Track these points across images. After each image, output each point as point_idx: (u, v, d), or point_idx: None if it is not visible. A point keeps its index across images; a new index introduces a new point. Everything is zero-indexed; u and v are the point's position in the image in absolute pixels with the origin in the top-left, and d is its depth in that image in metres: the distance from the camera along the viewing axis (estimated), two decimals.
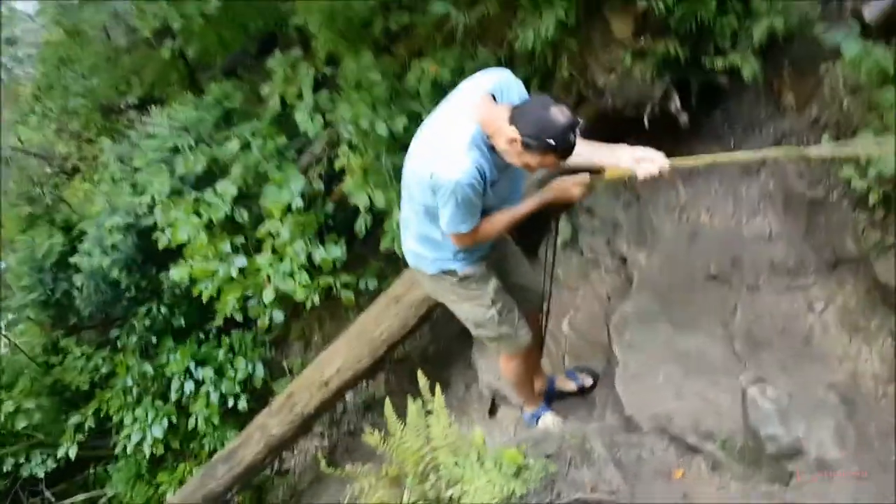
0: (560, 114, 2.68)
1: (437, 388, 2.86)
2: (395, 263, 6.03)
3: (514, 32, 4.42)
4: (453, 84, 5.01)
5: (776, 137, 4.04)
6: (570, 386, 4.29)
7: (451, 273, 3.34)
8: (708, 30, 3.90)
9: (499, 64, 5.05)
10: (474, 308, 3.45)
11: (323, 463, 3.41)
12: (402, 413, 5.92)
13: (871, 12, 3.43)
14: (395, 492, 2.91)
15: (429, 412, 2.88)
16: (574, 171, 3.09)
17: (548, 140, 2.66)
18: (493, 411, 5.28)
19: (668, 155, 4.33)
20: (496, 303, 3.42)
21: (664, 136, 4.23)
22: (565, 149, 2.72)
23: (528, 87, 4.85)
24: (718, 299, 3.76)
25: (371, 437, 3.14)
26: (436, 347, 6.03)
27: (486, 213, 3.04)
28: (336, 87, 5.49)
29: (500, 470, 2.64)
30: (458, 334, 5.93)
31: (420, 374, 3.07)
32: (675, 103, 3.97)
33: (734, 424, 3.17)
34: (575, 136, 2.70)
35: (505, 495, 2.54)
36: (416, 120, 5.13)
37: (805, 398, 2.72)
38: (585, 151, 3.03)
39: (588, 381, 4.23)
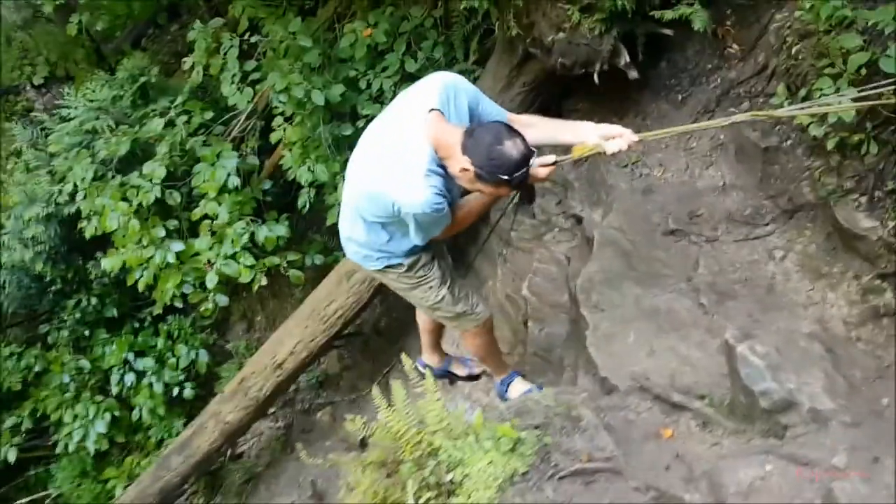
0: (514, 147, 2.65)
1: (428, 372, 2.78)
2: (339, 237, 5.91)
3: None
4: (389, 48, 4.94)
5: (724, 87, 4.07)
6: (463, 371, 4.32)
7: (397, 266, 3.29)
8: None
9: (435, 24, 4.93)
10: (426, 292, 3.40)
11: (304, 454, 3.31)
12: (358, 389, 5.91)
13: None
14: (380, 475, 2.84)
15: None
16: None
17: (501, 175, 2.66)
18: (452, 380, 5.26)
19: (618, 111, 4.38)
20: (445, 282, 3.39)
21: (612, 90, 4.23)
22: (519, 182, 2.71)
23: (468, 48, 4.86)
24: (680, 254, 3.78)
25: (352, 424, 3.04)
26: (388, 319, 5.96)
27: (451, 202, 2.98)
28: (263, 56, 5.25)
29: (497, 449, 2.60)
30: (410, 305, 5.88)
31: (404, 357, 2.99)
32: (625, 58, 3.94)
33: (710, 378, 3.21)
34: (528, 167, 2.69)
35: (508, 474, 2.51)
36: (353, 86, 4.97)
37: (790, 350, 2.76)
38: (548, 130, 3.06)
39: (477, 370, 4.27)
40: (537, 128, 3.04)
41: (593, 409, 3.01)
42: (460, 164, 2.71)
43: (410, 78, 4.88)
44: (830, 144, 3.24)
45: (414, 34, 4.92)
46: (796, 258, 3.53)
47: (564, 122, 3.12)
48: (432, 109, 2.78)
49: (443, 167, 2.80)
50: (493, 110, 3.04)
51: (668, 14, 3.80)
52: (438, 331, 4.06)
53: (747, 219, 3.76)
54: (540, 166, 2.90)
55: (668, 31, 3.99)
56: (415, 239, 3.03)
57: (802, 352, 2.79)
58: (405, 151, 2.79)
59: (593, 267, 3.85)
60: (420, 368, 4.16)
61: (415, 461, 2.63)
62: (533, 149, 2.73)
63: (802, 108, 2.95)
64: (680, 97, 4.22)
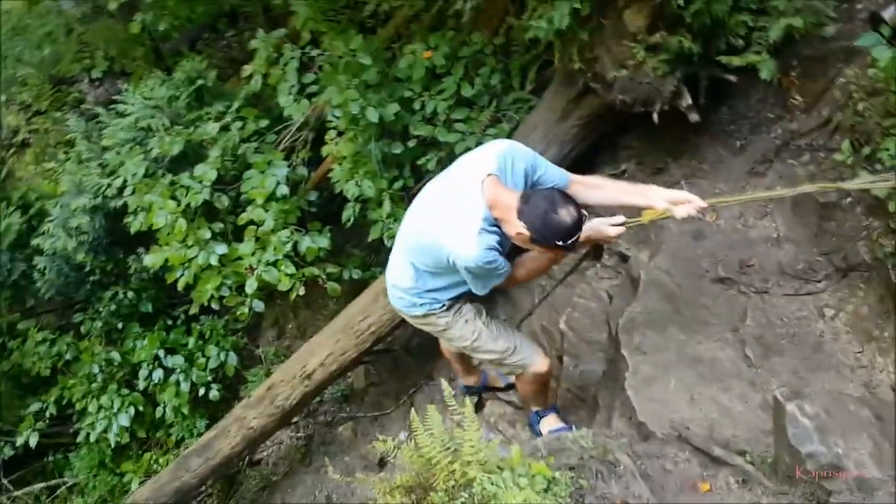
0: (567, 215, 2.81)
1: (468, 401, 2.74)
2: (379, 254, 5.91)
3: (518, 20, 4.30)
4: (446, 71, 4.95)
5: (784, 138, 4.02)
6: (500, 383, 4.56)
7: (438, 309, 3.47)
8: (721, 25, 3.84)
9: (494, 51, 4.94)
10: (462, 329, 3.54)
11: (331, 469, 3.28)
12: (382, 406, 5.87)
13: (891, 14, 3.41)
14: (408, 500, 2.80)
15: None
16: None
17: (556, 242, 2.84)
18: (479, 407, 5.21)
19: (673, 152, 4.34)
20: (480, 315, 3.54)
21: (669, 131, 4.19)
22: (572, 246, 2.90)
23: (525, 77, 4.86)
24: (728, 302, 3.72)
25: (381, 445, 3.01)
26: (419, 340, 5.92)
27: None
28: (321, 70, 5.29)
29: (532, 487, 2.55)
30: None
31: (444, 383, 2.95)
32: (687, 100, 3.91)
33: (750, 433, 3.17)
34: (580, 231, 2.86)
35: None
36: (407, 106, 4.99)
37: (839, 413, 2.69)
38: (615, 193, 3.23)
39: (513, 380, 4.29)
40: (604, 189, 3.22)
41: (630, 455, 2.96)
42: (516, 228, 2.89)
43: (465, 103, 4.90)
44: (892, 206, 3.18)
45: (472, 59, 4.93)
46: (847, 318, 3.46)
47: (632, 184, 3.26)
48: (490, 174, 2.97)
49: (497, 227, 2.98)
50: (554, 174, 3.18)
51: (736, 60, 3.78)
52: (466, 356, 4.23)
53: (799, 273, 3.69)
54: (611, 226, 3.11)
55: (732, 78, 3.96)
56: (475, 289, 3.21)
57: (851, 416, 2.72)
58: (462, 209, 2.98)
59: (637, 307, 3.81)
60: (462, 391, 4.51)
61: (447, 491, 2.59)
62: (585, 213, 2.89)
63: (874, 182, 2.89)
64: (738, 144, 4.18)
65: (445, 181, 3.21)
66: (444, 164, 5.05)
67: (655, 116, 3.97)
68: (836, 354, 3.37)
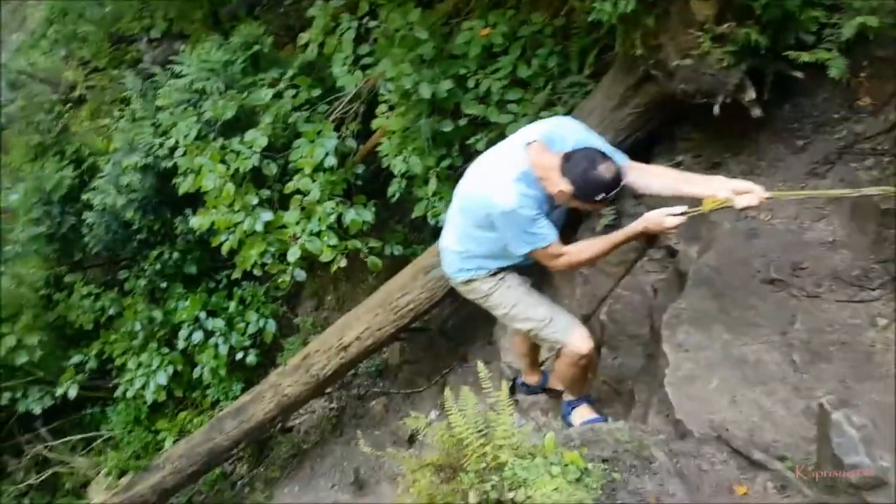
0: (607, 171, 2.95)
1: (504, 384, 2.71)
2: (422, 232, 5.89)
3: (581, 1, 4.22)
4: (503, 50, 4.88)
5: (848, 140, 3.87)
6: (559, 386, 4.40)
7: (483, 275, 3.62)
8: (792, 19, 3.70)
9: (553, 32, 4.85)
10: (503, 295, 3.64)
11: (362, 441, 3.26)
12: (415, 384, 5.87)
13: None
14: (437, 479, 2.78)
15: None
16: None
17: (596, 197, 2.98)
18: (512, 391, 5.18)
19: (732, 147, 4.22)
20: (523, 286, 3.65)
21: (729, 124, 4.07)
22: (612, 200, 3.06)
23: (583, 61, 4.76)
24: (777, 305, 3.61)
25: (414, 422, 3.00)
26: (456, 320, 5.91)
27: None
28: (376, 42, 5.25)
29: (565, 476, 2.51)
30: (481, 308, 5.81)
31: (480, 365, 2.92)
32: (750, 94, 3.78)
33: (792, 440, 3.07)
34: (620, 187, 3.00)
35: None
36: (461, 84, 4.93)
37: (886, 426, 2.60)
38: (674, 182, 3.28)
39: None
40: (663, 178, 3.31)
41: (666, 452, 2.91)
42: (558, 186, 3.03)
43: (520, 83, 4.81)
44: None
45: (530, 39, 4.84)
46: None
47: (692, 174, 3.28)
48: (534, 140, 3.16)
49: (538, 187, 3.12)
50: (612, 153, 3.22)
51: (804, 56, 3.62)
52: (534, 352, 4.34)
53: (853, 280, 3.56)
54: (668, 216, 3.12)
55: (799, 74, 3.82)
56: (514, 247, 3.27)
57: None
58: (503, 162, 3.20)
59: (683, 304, 3.72)
60: (520, 388, 4.61)
61: (477, 473, 2.56)
62: (625, 168, 3.05)
63: None
64: (800, 143, 4.03)
65: (498, 147, 3.42)
66: (493, 144, 5.00)
67: (717, 109, 3.84)
68: (887, 365, 3.24)
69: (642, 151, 4.63)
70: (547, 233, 3.19)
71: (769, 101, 3.96)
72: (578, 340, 3.58)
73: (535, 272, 3.82)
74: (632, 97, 4.36)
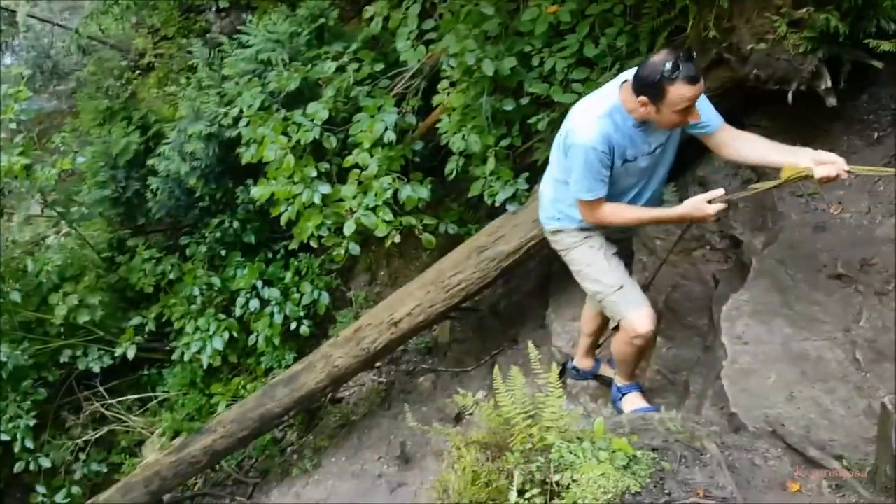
0: (662, 55, 2.94)
1: (554, 367, 2.68)
2: (477, 211, 5.86)
3: None
4: (571, 28, 4.78)
5: None
6: (611, 372, 4.36)
7: (570, 228, 3.60)
8: (873, 6, 3.54)
9: (624, 11, 4.73)
10: (586, 253, 3.61)
11: (409, 415, 3.27)
12: (463, 364, 5.88)
13: None
14: (483, 457, 2.76)
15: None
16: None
17: (672, 76, 2.88)
18: (561, 375, 5.13)
19: (803, 136, 4.08)
20: (608, 253, 3.59)
21: (802, 113, 3.94)
22: (674, 80, 2.90)
23: (653, 42, 4.64)
24: (842, 301, 3.50)
25: (462, 399, 2.99)
26: (507, 302, 5.88)
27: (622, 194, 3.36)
28: (442, 17, 5.21)
29: (612, 462, 2.47)
30: (534, 291, 5.78)
31: (531, 345, 2.90)
32: (826, 82, 3.65)
33: (849, 440, 2.99)
34: (681, 67, 2.89)
35: (619, 491, 2.38)
36: (525, 62, 4.85)
37: None
38: (763, 149, 3.23)
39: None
40: (754, 144, 3.25)
41: (718, 445, 2.84)
42: (636, 100, 3.04)
43: (586, 63, 4.71)
44: None
45: (600, 18, 4.72)
46: None
47: (781, 145, 3.20)
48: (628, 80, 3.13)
49: (628, 123, 3.13)
50: (709, 110, 3.26)
51: (885, 45, 3.47)
52: (597, 336, 4.27)
53: None
54: (708, 203, 3.12)
55: (877, 63, 3.67)
56: (572, 185, 3.28)
57: None
58: (597, 97, 3.26)
59: (744, 296, 3.63)
60: (571, 371, 4.54)
61: (523, 453, 2.54)
62: (693, 53, 3.06)
63: None
64: (876, 135, 3.89)
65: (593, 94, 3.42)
66: (555, 125, 4.93)
67: (790, 96, 3.73)
68: None
69: None
70: (600, 190, 3.25)
71: (845, 90, 3.83)
72: (641, 318, 3.50)
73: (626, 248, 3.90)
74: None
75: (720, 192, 3.17)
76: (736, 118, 4.38)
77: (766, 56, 3.67)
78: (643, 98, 3.01)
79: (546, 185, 3.68)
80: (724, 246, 4.29)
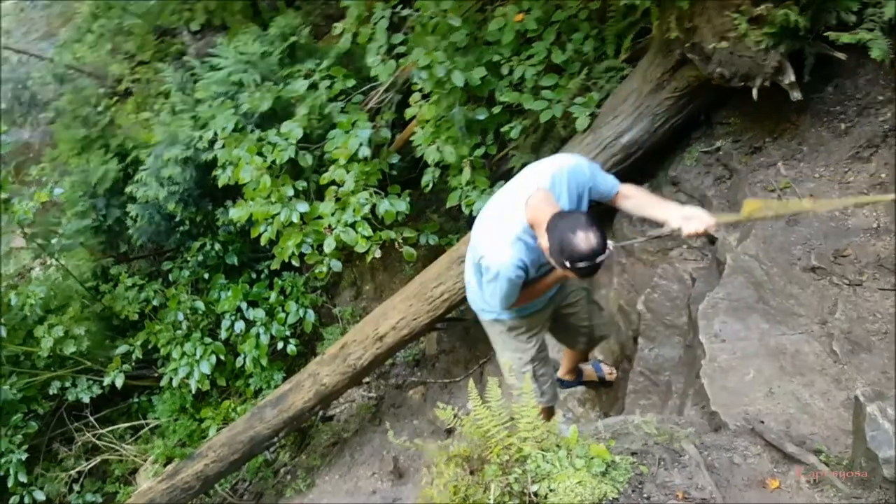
0: (585, 240, 2.71)
1: (527, 377, 2.68)
2: (457, 221, 5.87)
3: None
4: (538, 36, 4.80)
5: (893, 123, 3.75)
6: (595, 377, 4.64)
7: (503, 322, 3.52)
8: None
9: (589, 16, 4.76)
10: (514, 358, 3.58)
11: (391, 433, 3.25)
12: (451, 374, 5.86)
13: None
14: (463, 471, 2.76)
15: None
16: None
17: (564, 261, 2.75)
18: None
19: (773, 131, 4.11)
20: (533, 362, 3.58)
21: (769, 108, 3.97)
22: (580, 272, 2.77)
23: (620, 45, 4.66)
24: (818, 294, 3.51)
25: (443, 413, 2.97)
26: None
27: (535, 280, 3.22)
28: (411, 31, 5.22)
29: (589, 469, 2.47)
30: None
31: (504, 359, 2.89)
32: (790, 77, 3.67)
33: (829, 432, 3.00)
34: (596, 262, 2.74)
35: (595, 498, 2.38)
36: (495, 71, 4.87)
37: None
38: (640, 205, 3.20)
39: (608, 377, 4.61)
40: (633, 199, 3.20)
41: (697, 445, 2.84)
42: (544, 241, 2.86)
43: (555, 69, 4.74)
44: None
45: (566, 24, 4.77)
46: None
47: (657, 199, 3.19)
48: (539, 188, 2.99)
49: (536, 240, 2.97)
50: (605, 185, 3.18)
51: (845, 37, 3.50)
52: (580, 357, 4.42)
53: None
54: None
55: (840, 55, 3.69)
56: (490, 299, 3.24)
57: None
58: (505, 217, 3.05)
59: (720, 293, 3.63)
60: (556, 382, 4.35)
61: (501, 465, 2.54)
62: (609, 245, 2.80)
63: None
64: (843, 126, 3.90)
65: (506, 189, 3.23)
66: (527, 132, 4.95)
67: (755, 92, 3.75)
68: None
69: (680, 137, 4.56)
70: (514, 299, 3.20)
71: (810, 83, 3.86)
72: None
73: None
74: (668, 81, 4.28)
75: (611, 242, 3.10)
76: (705, 117, 4.43)
77: (728, 54, 3.69)
78: (548, 248, 2.85)
79: (471, 276, 3.50)
80: (699, 244, 4.30)
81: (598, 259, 2.73)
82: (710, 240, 4.22)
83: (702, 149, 4.45)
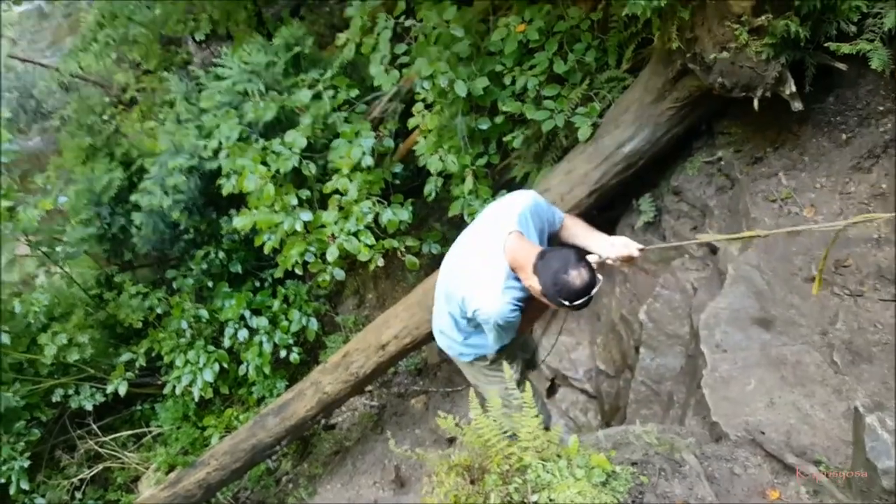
0: (578, 277, 2.79)
1: (528, 385, 2.68)
2: (459, 230, 5.85)
3: None
4: (540, 46, 4.83)
5: (894, 133, 3.74)
6: None
7: (483, 358, 3.51)
8: (832, 10, 3.58)
9: (591, 27, 4.78)
10: (500, 388, 3.47)
11: (392, 443, 3.26)
12: (454, 383, 5.87)
13: None
14: (464, 480, 2.76)
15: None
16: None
17: (561, 301, 2.83)
18: (552, 391, 5.15)
19: (774, 141, 4.12)
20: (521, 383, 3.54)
21: (770, 118, 3.98)
22: (577, 308, 2.86)
23: (621, 55, 4.68)
24: (818, 304, 3.51)
25: (444, 422, 2.98)
26: None
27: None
28: (414, 41, 5.25)
29: (589, 479, 2.47)
30: None
31: (506, 365, 2.90)
32: (791, 87, 3.67)
33: (830, 443, 2.99)
34: (589, 294, 2.82)
35: None
36: (497, 81, 4.89)
37: None
38: (576, 235, 3.28)
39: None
40: (568, 230, 3.31)
41: (698, 455, 2.85)
42: (530, 281, 2.91)
43: (557, 79, 4.76)
44: None
45: (567, 35, 4.78)
46: None
47: (590, 230, 3.28)
48: (511, 231, 3.03)
49: (518, 279, 3.02)
50: (553, 216, 3.30)
51: (845, 48, 3.51)
52: None
53: None
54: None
55: (841, 66, 3.70)
56: (491, 342, 3.26)
57: None
58: (486, 266, 3.05)
59: (722, 303, 3.64)
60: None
61: (501, 475, 2.54)
62: (599, 277, 2.86)
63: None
64: (844, 136, 3.91)
65: (473, 237, 3.29)
66: (529, 142, 4.97)
67: (756, 103, 3.75)
68: None
69: (682, 147, 4.57)
70: (516, 328, 3.21)
71: (811, 94, 3.86)
72: None
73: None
74: (670, 91, 4.29)
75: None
76: (706, 127, 4.45)
77: (729, 64, 3.69)
78: (540, 289, 2.88)
79: (443, 322, 3.51)
80: (701, 254, 4.31)
81: (593, 292, 2.82)
82: (712, 249, 4.23)
83: (703, 158, 4.46)
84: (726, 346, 3.46)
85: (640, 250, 3.10)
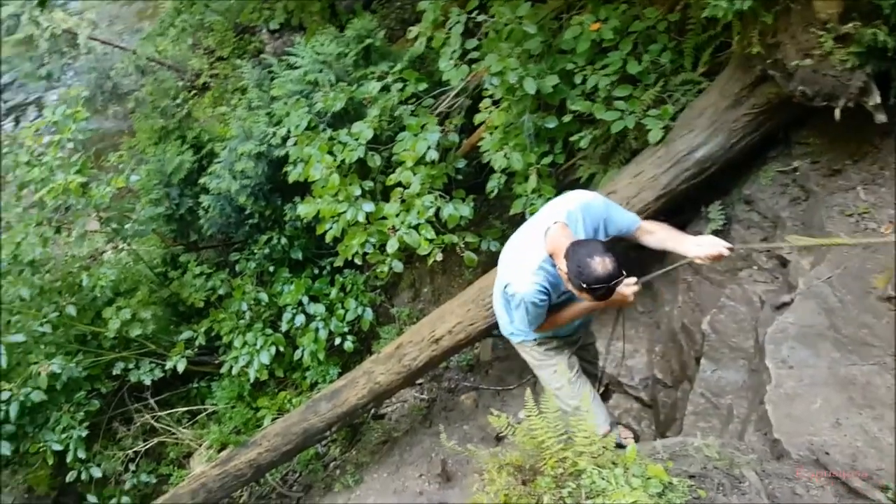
0: (601, 265, 2.97)
1: (586, 390, 2.64)
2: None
3: None
4: (614, 46, 4.75)
5: None
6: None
7: (531, 341, 3.79)
8: None
9: (667, 28, 4.68)
10: (550, 375, 3.76)
11: (444, 436, 3.26)
12: (504, 382, 5.84)
13: None
14: (515, 480, 2.74)
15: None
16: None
17: (581, 284, 3.02)
18: (605, 397, 5.07)
19: (853, 154, 3.98)
20: (567, 374, 3.68)
21: (850, 130, 3.84)
22: (597, 295, 3.05)
23: (698, 58, 4.58)
24: (892, 324, 3.37)
25: (496, 420, 2.96)
26: None
27: (558, 306, 3.49)
28: (485, 36, 5.22)
29: (645, 489, 2.42)
30: None
31: (562, 369, 2.86)
32: (875, 98, 3.54)
33: None
34: (611, 286, 3.00)
35: None
36: (567, 80, 4.83)
37: None
38: (660, 239, 3.45)
39: (626, 440, 4.33)
40: (653, 235, 3.46)
41: (759, 473, 2.76)
42: (561, 264, 3.14)
43: (629, 80, 4.67)
44: None
45: (643, 35, 4.70)
46: None
47: (676, 233, 3.45)
48: (557, 222, 3.27)
49: (554, 266, 3.26)
50: (623, 221, 3.46)
51: None
52: None
53: None
54: (626, 290, 3.22)
55: None
56: (519, 324, 3.57)
57: None
58: (526, 248, 3.37)
59: (790, 318, 3.53)
60: None
61: (554, 478, 2.51)
62: (623, 271, 3.02)
63: None
64: None
65: (526, 226, 3.56)
66: (596, 142, 4.90)
67: (837, 113, 3.63)
68: None
69: (756, 155, 4.45)
70: (541, 321, 3.47)
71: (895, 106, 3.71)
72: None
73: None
74: (747, 97, 4.18)
75: (633, 279, 3.26)
76: (782, 135, 4.32)
77: (812, 72, 3.58)
78: (567, 273, 3.10)
79: (497, 304, 3.87)
80: (770, 266, 4.18)
81: (613, 283, 2.98)
82: (782, 262, 4.10)
83: (778, 168, 4.33)
84: (793, 363, 3.35)
85: (730, 249, 3.21)
